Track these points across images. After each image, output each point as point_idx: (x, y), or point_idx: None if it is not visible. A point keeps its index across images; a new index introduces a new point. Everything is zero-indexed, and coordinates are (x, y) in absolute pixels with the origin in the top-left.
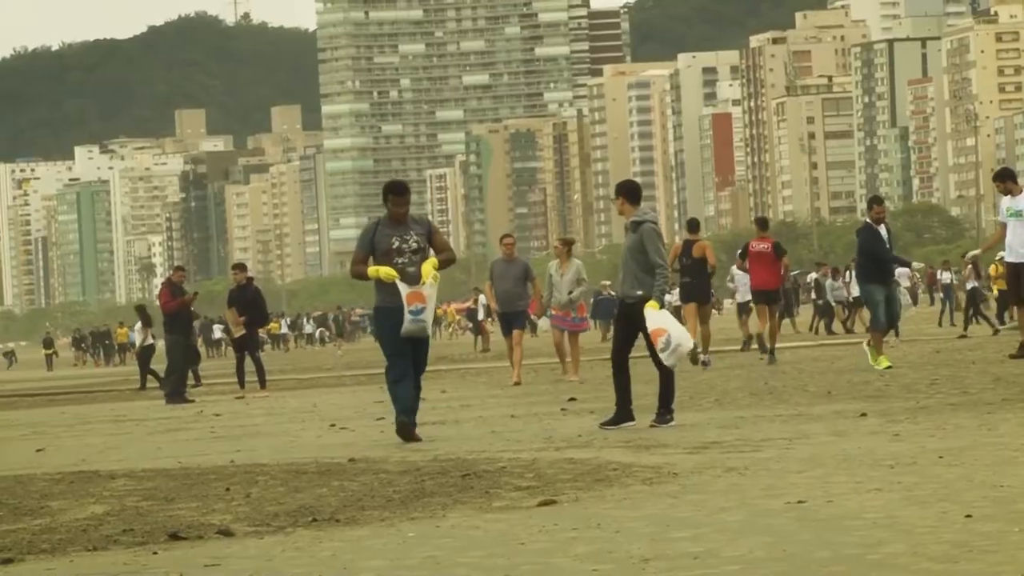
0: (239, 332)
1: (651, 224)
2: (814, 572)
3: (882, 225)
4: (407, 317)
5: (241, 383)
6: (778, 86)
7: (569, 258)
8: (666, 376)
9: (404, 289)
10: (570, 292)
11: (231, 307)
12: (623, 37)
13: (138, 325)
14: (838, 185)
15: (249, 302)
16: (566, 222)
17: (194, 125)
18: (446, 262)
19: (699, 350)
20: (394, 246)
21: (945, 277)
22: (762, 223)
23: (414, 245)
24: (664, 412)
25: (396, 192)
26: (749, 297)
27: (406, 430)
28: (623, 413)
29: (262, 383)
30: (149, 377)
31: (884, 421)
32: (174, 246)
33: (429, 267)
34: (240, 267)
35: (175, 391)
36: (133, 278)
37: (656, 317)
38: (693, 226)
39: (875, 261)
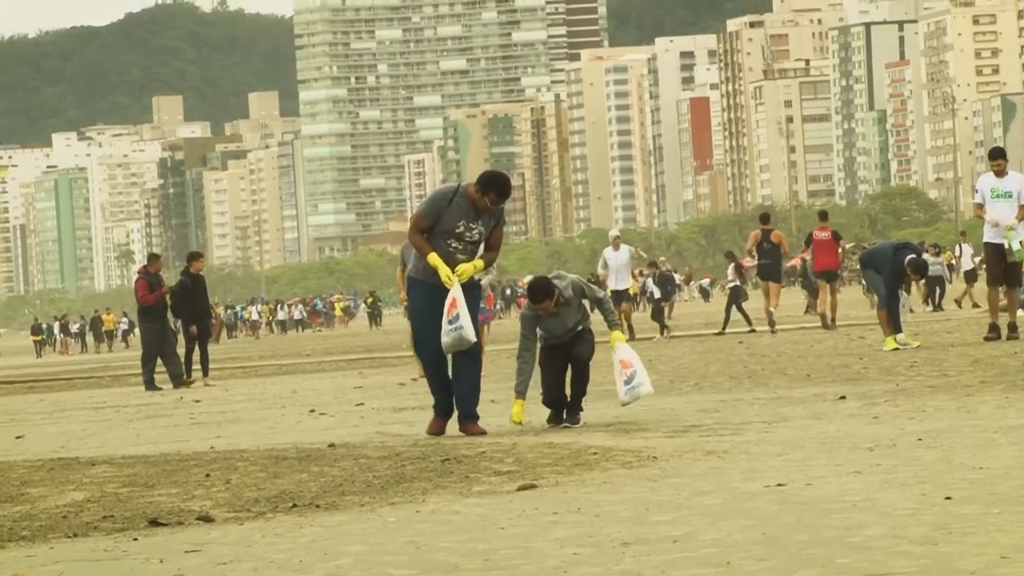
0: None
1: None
2: (793, 555)
3: None
4: (444, 328)
5: (188, 372)
6: (756, 70)
7: None
8: (585, 373)
9: (448, 295)
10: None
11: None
12: (600, 21)
13: None
14: (816, 168)
15: (202, 292)
16: (544, 207)
17: (171, 112)
18: (488, 262)
19: (773, 320)
20: (457, 230)
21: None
22: (823, 215)
23: (476, 237)
24: (579, 409)
25: (499, 192)
26: (625, 285)
27: (436, 427)
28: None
29: (205, 372)
30: None
31: (863, 404)
32: (152, 232)
33: (470, 268)
34: (198, 255)
35: (152, 378)
36: (112, 265)
37: (627, 350)
38: (766, 218)
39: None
